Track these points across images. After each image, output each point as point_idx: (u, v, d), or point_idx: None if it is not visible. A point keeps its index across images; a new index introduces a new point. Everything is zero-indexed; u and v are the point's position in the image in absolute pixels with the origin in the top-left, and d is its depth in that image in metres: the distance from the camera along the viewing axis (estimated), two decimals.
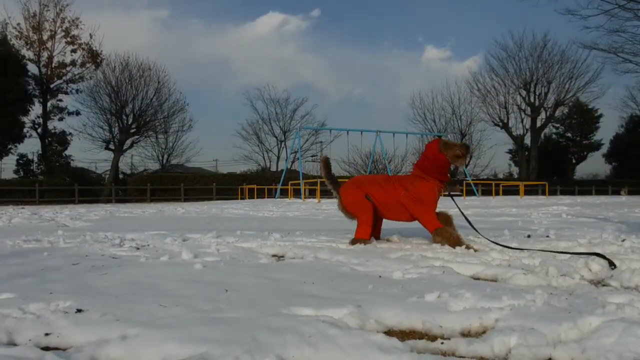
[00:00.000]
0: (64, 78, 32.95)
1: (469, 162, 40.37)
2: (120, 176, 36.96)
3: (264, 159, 43.09)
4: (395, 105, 70.68)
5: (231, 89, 71.88)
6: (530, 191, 32.82)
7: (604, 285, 2.31)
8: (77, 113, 33.79)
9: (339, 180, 4.07)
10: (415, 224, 3.86)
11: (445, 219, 3.69)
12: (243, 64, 72.94)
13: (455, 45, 70.73)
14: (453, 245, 3.39)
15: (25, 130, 30.62)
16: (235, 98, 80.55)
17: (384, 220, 4.04)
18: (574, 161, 43.68)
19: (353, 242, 3.73)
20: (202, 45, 71.62)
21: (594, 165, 61.08)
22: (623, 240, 3.62)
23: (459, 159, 3.65)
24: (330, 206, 13.81)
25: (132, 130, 34.70)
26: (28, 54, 31.35)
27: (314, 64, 72.69)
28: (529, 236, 4.25)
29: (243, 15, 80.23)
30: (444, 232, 3.52)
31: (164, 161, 38.95)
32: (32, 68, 31.23)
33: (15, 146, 30.67)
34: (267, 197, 27.16)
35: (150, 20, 68.33)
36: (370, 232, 3.76)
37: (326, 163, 4.05)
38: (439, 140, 3.69)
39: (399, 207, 3.72)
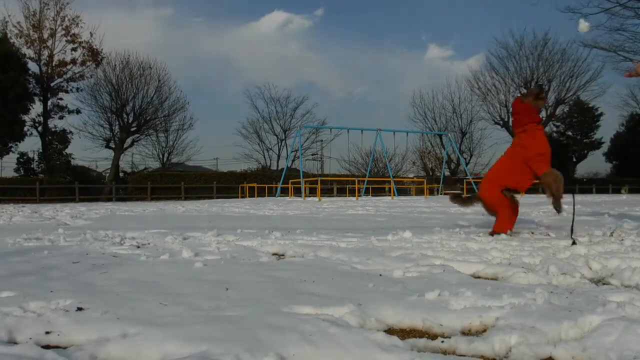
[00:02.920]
0: (64, 76, 32.87)
1: (469, 159, 40.37)
2: (121, 174, 36.94)
3: (264, 157, 43.01)
4: (397, 103, 70.67)
5: (233, 87, 71.82)
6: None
7: (604, 284, 2.31)
8: (78, 111, 33.71)
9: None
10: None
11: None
12: (245, 62, 72.95)
13: (458, 44, 70.61)
14: (555, 192, 3.82)
15: (25, 128, 30.52)
16: (236, 97, 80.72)
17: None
18: (574, 160, 43.57)
19: (492, 233, 4.11)
20: (205, 43, 71.58)
21: (595, 163, 60.84)
22: (622, 240, 3.62)
23: (539, 100, 4.13)
24: (330, 205, 13.81)
25: (133, 129, 34.65)
26: (28, 52, 31.29)
27: (317, 63, 72.62)
28: (532, 233, 4.34)
29: (247, 14, 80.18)
30: (552, 172, 3.88)
31: (165, 159, 38.89)
32: (32, 66, 31.13)
33: (16, 144, 30.59)
34: (268, 196, 27.16)
35: (153, 19, 68.36)
36: (508, 227, 4.10)
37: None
38: (518, 98, 4.28)
39: (525, 171, 4.03)
